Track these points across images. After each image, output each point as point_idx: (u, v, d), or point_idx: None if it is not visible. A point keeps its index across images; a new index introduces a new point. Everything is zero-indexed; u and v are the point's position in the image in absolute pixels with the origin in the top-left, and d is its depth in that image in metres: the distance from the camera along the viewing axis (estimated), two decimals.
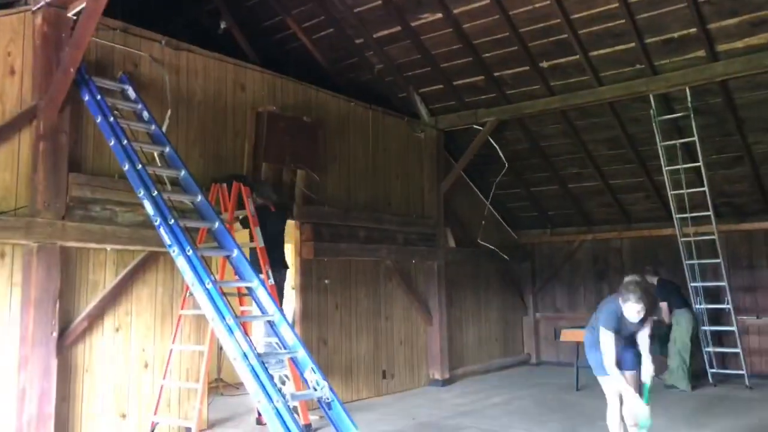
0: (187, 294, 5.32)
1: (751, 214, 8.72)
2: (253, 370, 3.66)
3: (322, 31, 7.78)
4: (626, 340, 4.40)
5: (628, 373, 4.41)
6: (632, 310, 4.11)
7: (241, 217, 5.91)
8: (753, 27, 6.23)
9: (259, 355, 3.77)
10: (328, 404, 3.84)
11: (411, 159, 8.50)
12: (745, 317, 8.72)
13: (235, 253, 4.50)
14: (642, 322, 4.25)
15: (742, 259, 8.86)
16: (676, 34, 6.55)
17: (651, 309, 4.22)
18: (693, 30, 6.39)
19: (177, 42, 5.83)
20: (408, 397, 7.56)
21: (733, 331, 8.21)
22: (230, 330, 3.83)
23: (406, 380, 7.98)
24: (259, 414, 5.46)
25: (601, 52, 7.02)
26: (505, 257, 9.73)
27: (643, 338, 4.36)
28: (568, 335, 8.20)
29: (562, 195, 9.63)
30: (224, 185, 5.75)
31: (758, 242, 8.76)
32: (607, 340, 4.20)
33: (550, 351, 10.33)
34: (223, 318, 3.89)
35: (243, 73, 6.45)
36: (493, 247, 9.57)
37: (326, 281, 7.04)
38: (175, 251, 4.20)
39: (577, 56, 7.09)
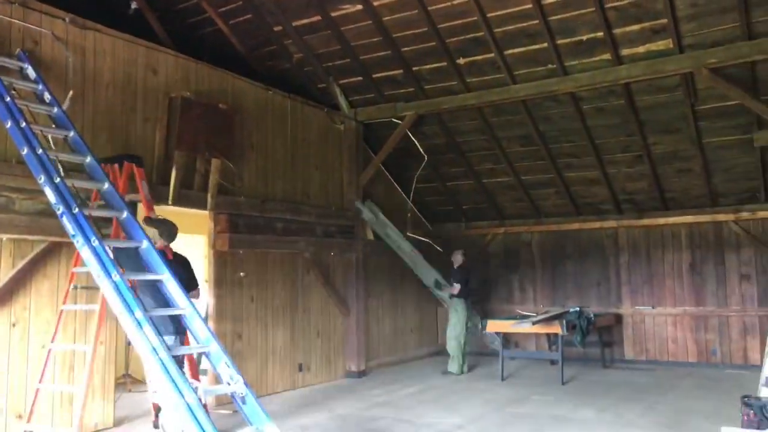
0: (71, 287, 5.02)
1: (649, 210, 9.29)
2: (163, 365, 3.53)
3: (240, 17, 7.58)
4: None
5: None
6: None
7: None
8: (654, 34, 6.62)
9: (170, 349, 3.64)
10: (242, 399, 3.77)
11: (330, 150, 8.46)
12: (641, 307, 9.31)
13: (145, 244, 4.32)
14: None
15: (641, 253, 9.43)
16: (584, 37, 6.86)
17: None
18: (600, 34, 6.71)
19: (83, 20, 5.50)
20: (325, 389, 7.55)
21: (621, 319, 8.75)
22: (139, 324, 3.68)
23: (322, 373, 7.96)
24: (156, 416, 5.19)
25: (516, 51, 7.25)
26: (439, 249, 9.81)
27: None
28: (494, 326, 8.47)
29: (476, 190, 9.89)
30: (116, 165, 5.35)
31: (655, 237, 9.36)
32: None
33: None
34: (132, 312, 3.72)
35: (155, 56, 6.19)
36: (428, 240, 9.69)
37: (242, 274, 6.89)
38: (79, 241, 3.98)
39: (493, 54, 7.29)
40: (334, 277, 8.32)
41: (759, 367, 6.11)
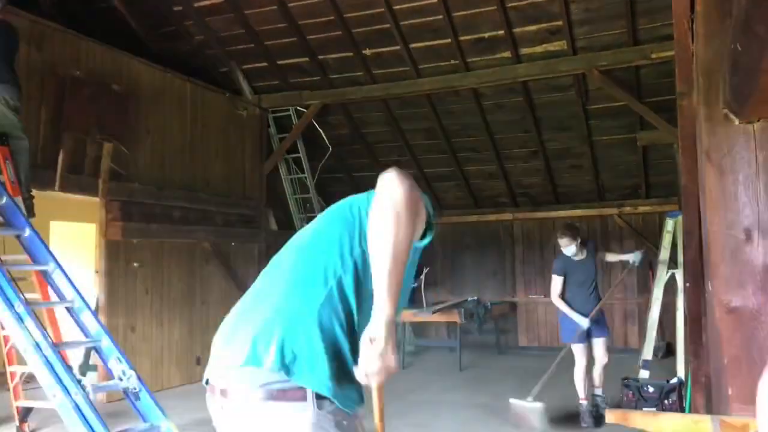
0: None
1: (543, 204, 9.76)
2: (47, 361, 3.31)
3: None
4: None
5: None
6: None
7: None
8: (550, 34, 6.93)
9: (54, 345, 3.41)
10: (136, 394, 3.60)
11: (232, 137, 8.22)
12: (534, 296, 9.78)
13: (27, 232, 4.02)
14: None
15: (534, 244, 9.89)
16: (486, 35, 7.07)
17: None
18: (501, 32, 6.94)
19: None
20: None
21: (515, 308, 9.16)
22: (20, 318, 3.42)
23: None
24: (22, 421, 4.75)
25: (421, 45, 7.35)
26: None
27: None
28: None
29: None
30: None
31: (548, 230, 9.84)
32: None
33: None
34: (12, 305, 3.45)
35: (39, 30, 5.74)
36: None
37: (135, 264, 6.57)
38: None
39: (399, 47, 7.35)
40: (235, 268, 8.11)
41: (638, 351, 6.59)
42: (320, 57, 7.79)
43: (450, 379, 7.41)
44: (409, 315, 8.53)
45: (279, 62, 7.97)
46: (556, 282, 5.49)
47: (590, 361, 5.42)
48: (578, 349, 5.38)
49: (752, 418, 1.52)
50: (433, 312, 8.21)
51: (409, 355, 8.51)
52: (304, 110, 8.45)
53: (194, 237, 7.27)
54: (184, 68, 7.54)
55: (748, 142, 1.68)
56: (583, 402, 5.39)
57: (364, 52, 7.58)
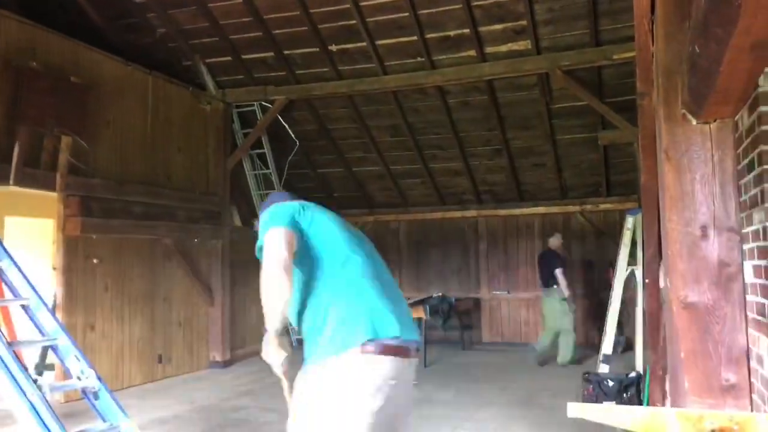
0: None
1: (506, 201, 9.87)
2: (1, 360, 3.20)
3: None
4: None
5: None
6: None
7: None
8: (515, 34, 7.00)
9: (9, 344, 3.30)
10: (95, 393, 3.51)
11: (195, 132, 8.09)
12: (498, 292, 9.89)
13: None
14: None
15: (498, 241, 10.01)
16: (452, 33, 7.10)
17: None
18: (466, 30, 6.98)
19: None
20: (187, 380, 7.26)
21: (479, 304, 9.26)
22: None
23: (184, 364, 7.64)
24: None
25: (387, 42, 7.35)
26: None
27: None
28: None
29: (347, 178, 9.95)
30: None
31: (511, 227, 9.97)
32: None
33: None
34: None
35: None
36: None
37: (95, 261, 6.43)
38: None
39: (365, 43, 7.34)
40: (198, 265, 8.00)
41: (599, 346, 6.73)
42: (286, 52, 7.72)
43: (415, 375, 7.44)
44: None
45: (244, 57, 7.88)
46: None
47: None
48: None
49: (708, 410, 1.56)
50: None
51: None
52: (270, 105, 8.37)
53: (156, 233, 7.14)
54: (146, 61, 7.39)
55: (704, 142, 1.73)
56: None
57: (330, 48, 7.54)
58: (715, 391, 1.64)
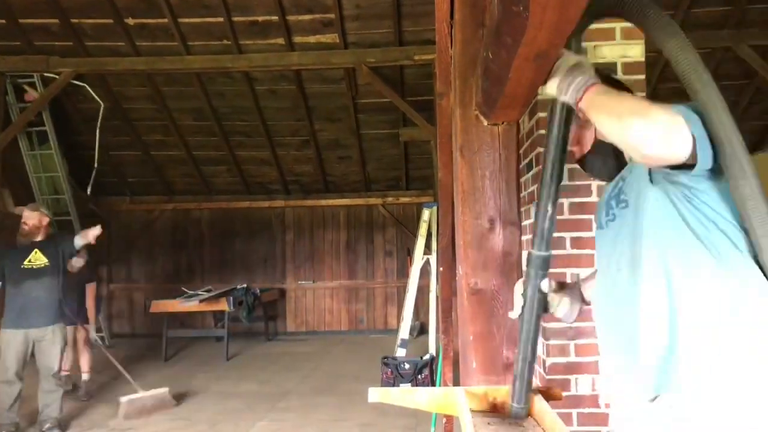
0: None
1: (313, 192, 9.97)
2: None
3: None
4: None
5: None
6: None
7: None
8: (323, 26, 7.06)
9: None
10: None
11: None
12: (303, 282, 9.97)
13: None
14: None
15: (305, 231, 10.08)
16: (260, 18, 6.94)
17: None
18: (275, 18, 6.88)
19: None
20: None
21: (285, 294, 9.29)
22: None
23: None
24: None
25: (191, 20, 6.96)
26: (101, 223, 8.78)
27: None
28: (158, 306, 8.07)
29: (144, 161, 9.28)
30: None
31: (317, 217, 10.09)
32: None
33: (122, 323, 9.92)
34: None
35: None
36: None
37: None
38: None
39: (166, 20, 6.88)
40: None
41: (397, 331, 7.10)
42: (73, 20, 6.94)
43: (216, 369, 7.22)
44: (174, 305, 8.11)
45: (21, 20, 6.93)
46: None
47: None
48: None
49: (492, 386, 1.71)
50: (200, 301, 7.91)
51: (172, 347, 8.10)
52: (56, 77, 7.45)
53: None
54: None
55: (494, 142, 1.89)
56: None
57: (126, 20, 6.94)
58: (498, 369, 1.81)
